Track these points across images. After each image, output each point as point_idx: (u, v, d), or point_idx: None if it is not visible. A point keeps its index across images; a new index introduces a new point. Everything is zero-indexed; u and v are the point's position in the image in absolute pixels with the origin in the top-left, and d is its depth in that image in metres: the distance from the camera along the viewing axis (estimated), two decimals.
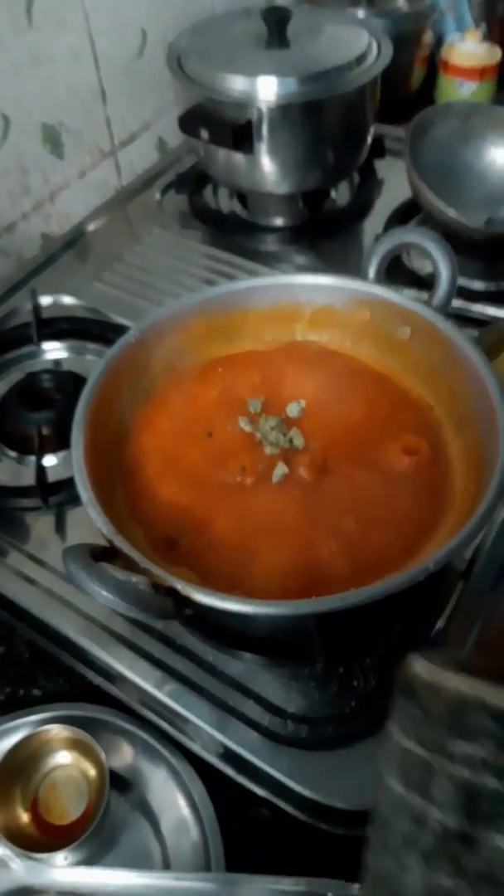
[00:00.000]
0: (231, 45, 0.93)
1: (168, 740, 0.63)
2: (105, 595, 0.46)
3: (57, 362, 0.88)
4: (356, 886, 0.51)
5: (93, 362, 0.86)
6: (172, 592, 0.49)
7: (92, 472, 0.56)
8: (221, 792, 0.60)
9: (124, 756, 0.65)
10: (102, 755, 0.62)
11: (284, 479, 0.60)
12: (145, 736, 0.64)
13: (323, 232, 1.01)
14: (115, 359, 0.63)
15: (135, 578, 0.53)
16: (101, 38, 1.02)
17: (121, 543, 0.51)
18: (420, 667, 0.38)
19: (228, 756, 0.59)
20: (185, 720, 0.59)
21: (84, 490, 0.54)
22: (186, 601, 0.49)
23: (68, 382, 0.81)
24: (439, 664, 0.37)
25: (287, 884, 0.53)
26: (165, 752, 0.63)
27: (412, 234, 0.64)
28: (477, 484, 0.56)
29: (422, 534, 0.56)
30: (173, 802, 0.63)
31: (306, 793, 0.54)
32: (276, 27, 0.90)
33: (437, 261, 0.62)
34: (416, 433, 0.63)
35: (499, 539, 0.66)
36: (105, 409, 0.61)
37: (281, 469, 0.60)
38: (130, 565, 0.50)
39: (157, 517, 0.59)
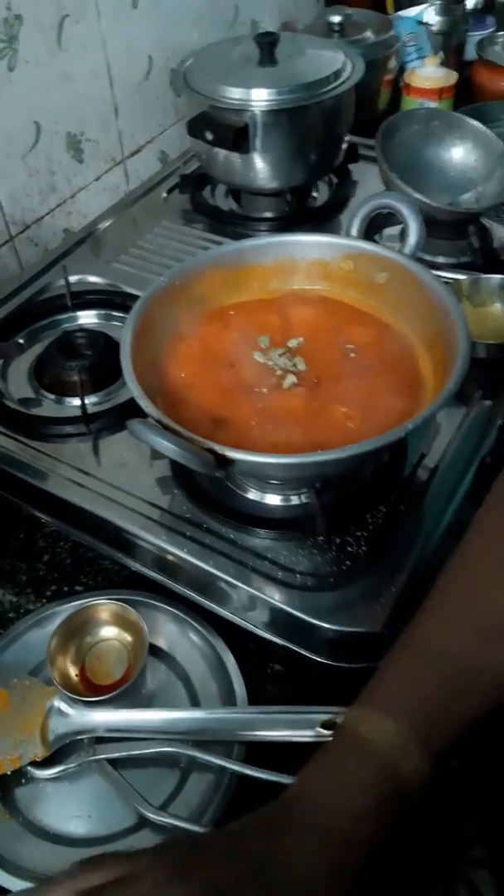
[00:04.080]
0: (229, 65, 1.10)
1: (195, 611, 0.76)
2: (165, 444, 0.60)
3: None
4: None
5: (118, 327, 0.99)
6: (212, 452, 0.63)
7: (138, 374, 0.70)
8: (244, 652, 0.73)
9: (158, 627, 0.76)
10: (143, 623, 0.72)
11: (292, 388, 0.75)
12: (176, 610, 0.76)
13: (306, 223, 1.16)
14: (151, 297, 0.78)
15: None
16: (116, 62, 1.19)
17: (168, 421, 0.65)
18: None
19: (251, 604, 0.72)
20: (216, 577, 0.72)
21: (133, 385, 0.67)
22: (224, 459, 0.63)
23: (100, 339, 0.95)
24: None
25: (304, 713, 0.66)
26: (194, 623, 0.75)
27: (388, 198, 0.80)
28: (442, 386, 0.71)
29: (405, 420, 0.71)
30: (200, 663, 0.74)
31: (312, 620, 0.68)
32: (267, 49, 1.07)
33: (407, 217, 0.78)
34: (397, 358, 0.78)
35: (464, 440, 0.81)
36: (144, 335, 0.75)
37: (290, 379, 0.75)
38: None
39: (189, 421, 0.72)
